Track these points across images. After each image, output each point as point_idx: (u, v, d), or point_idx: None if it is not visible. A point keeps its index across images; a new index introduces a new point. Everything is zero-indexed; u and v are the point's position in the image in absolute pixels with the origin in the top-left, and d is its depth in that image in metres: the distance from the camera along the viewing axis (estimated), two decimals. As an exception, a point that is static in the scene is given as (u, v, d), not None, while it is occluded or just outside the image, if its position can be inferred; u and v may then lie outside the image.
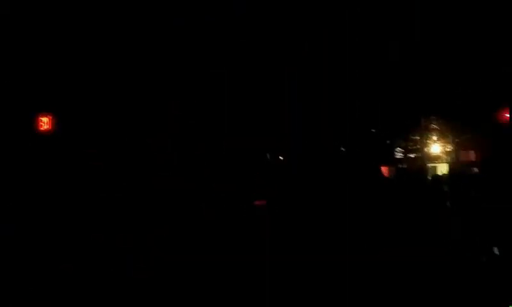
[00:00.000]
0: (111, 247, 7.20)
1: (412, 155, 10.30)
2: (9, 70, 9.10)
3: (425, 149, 10.24)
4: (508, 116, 8.88)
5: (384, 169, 10.67)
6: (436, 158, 10.39)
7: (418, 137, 10.21)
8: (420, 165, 10.27)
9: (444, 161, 10.29)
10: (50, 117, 9.05)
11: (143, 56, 9.18)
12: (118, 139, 9.16)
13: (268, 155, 9.87)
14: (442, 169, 10.26)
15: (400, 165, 10.30)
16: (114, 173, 8.83)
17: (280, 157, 9.98)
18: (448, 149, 10.28)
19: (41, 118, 9.04)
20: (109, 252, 7.06)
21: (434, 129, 10.21)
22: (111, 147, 9.07)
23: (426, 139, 10.19)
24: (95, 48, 9.22)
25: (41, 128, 9.02)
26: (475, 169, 9.50)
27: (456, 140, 10.01)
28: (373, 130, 9.98)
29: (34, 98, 9.19)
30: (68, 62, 9.10)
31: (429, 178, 9.66)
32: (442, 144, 10.33)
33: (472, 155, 9.85)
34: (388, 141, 10.38)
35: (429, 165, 10.26)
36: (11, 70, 9.11)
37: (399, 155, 10.50)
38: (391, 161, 10.23)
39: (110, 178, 8.75)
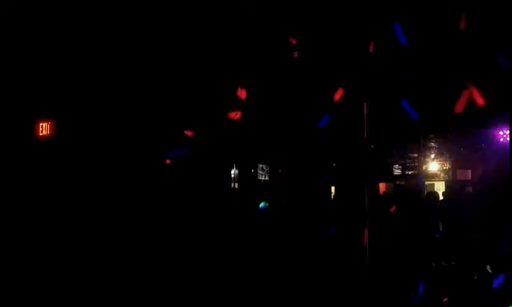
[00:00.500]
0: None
1: (410, 172, 10.45)
2: (8, 72, 8.94)
3: (423, 167, 10.36)
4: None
5: (382, 186, 10.79)
6: (433, 176, 10.53)
7: (416, 155, 10.33)
8: (416, 183, 10.39)
9: (441, 179, 10.43)
10: (51, 122, 8.91)
11: (152, 59, 9.07)
12: (121, 145, 9.03)
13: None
14: (439, 186, 10.40)
15: (398, 182, 10.44)
16: (118, 179, 8.70)
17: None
18: (445, 168, 10.44)
19: (41, 123, 8.89)
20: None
21: (432, 147, 10.35)
22: (114, 153, 8.93)
23: (424, 157, 10.32)
24: (96, 50, 9.08)
25: (41, 134, 8.88)
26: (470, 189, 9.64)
27: (454, 158, 10.16)
28: (372, 146, 10.06)
29: (34, 102, 9.03)
30: (69, 64, 8.93)
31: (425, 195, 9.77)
32: (440, 162, 10.48)
33: (468, 174, 9.99)
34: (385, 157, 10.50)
35: (427, 182, 10.38)
36: (10, 73, 8.95)
37: (397, 172, 10.66)
38: (389, 177, 10.37)
39: (114, 184, 8.62)
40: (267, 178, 10.71)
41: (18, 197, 8.20)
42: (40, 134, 8.89)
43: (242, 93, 8.58)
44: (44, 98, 8.90)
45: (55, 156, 8.68)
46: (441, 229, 8.10)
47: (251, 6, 8.37)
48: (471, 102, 8.91)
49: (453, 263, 7.52)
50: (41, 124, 8.91)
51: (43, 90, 8.84)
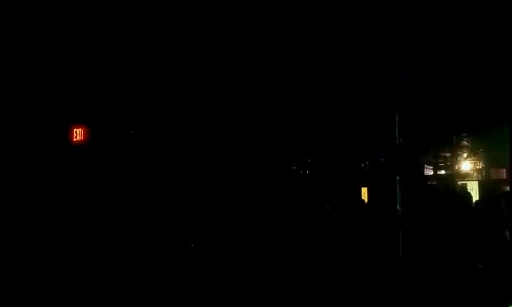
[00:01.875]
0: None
1: (442, 172, 10.24)
2: (42, 80, 9.23)
3: (455, 166, 10.14)
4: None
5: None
6: (466, 176, 10.29)
7: (449, 154, 10.11)
8: (449, 183, 10.15)
9: (474, 178, 10.18)
10: (84, 128, 9.17)
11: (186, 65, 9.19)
12: (154, 151, 9.19)
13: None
14: (472, 186, 10.15)
15: (429, 182, 10.24)
16: (150, 185, 8.87)
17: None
18: (478, 167, 10.18)
19: (75, 129, 9.16)
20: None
21: (464, 146, 10.12)
22: (147, 159, 9.11)
23: (456, 156, 10.10)
24: (126, 59, 9.27)
25: (75, 140, 9.14)
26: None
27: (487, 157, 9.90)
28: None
29: (68, 108, 9.30)
30: (102, 72, 9.17)
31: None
32: (473, 161, 10.23)
33: (503, 173, 9.72)
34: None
35: (459, 182, 10.14)
36: (44, 81, 9.24)
37: (428, 172, 10.45)
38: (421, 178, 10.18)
39: (148, 190, 8.79)
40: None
41: (54, 198, 8.49)
42: (74, 140, 9.18)
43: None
44: (78, 104, 9.18)
45: (88, 160, 8.95)
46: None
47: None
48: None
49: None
50: (75, 130, 9.20)
51: (77, 96, 9.13)
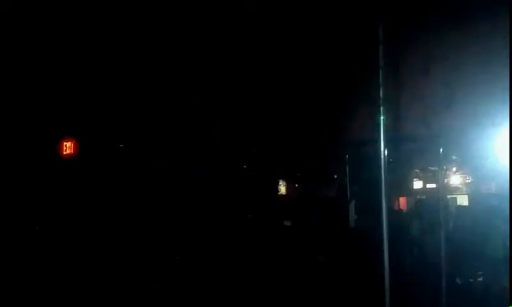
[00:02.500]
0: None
1: (431, 186, 10.22)
2: (31, 92, 9.32)
3: (445, 180, 10.11)
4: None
5: (403, 200, 10.61)
6: (455, 190, 10.28)
7: (437, 168, 10.10)
8: (438, 197, 10.12)
9: (464, 192, 10.17)
10: (74, 141, 9.27)
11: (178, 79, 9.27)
12: (142, 164, 9.24)
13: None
14: (462, 200, 10.14)
15: (418, 196, 10.24)
16: (139, 198, 8.90)
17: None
18: (468, 181, 10.18)
19: (64, 143, 9.27)
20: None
21: (453, 160, 10.13)
22: (136, 172, 9.16)
23: (445, 170, 10.08)
24: (117, 70, 9.35)
25: (65, 153, 9.24)
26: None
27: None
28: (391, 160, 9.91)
29: (58, 122, 9.40)
30: (91, 84, 9.25)
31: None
32: (462, 174, 10.24)
33: (493, 187, 9.70)
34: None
35: (449, 196, 10.12)
36: (34, 93, 9.32)
37: (416, 186, 10.47)
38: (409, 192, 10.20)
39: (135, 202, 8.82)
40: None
41: (45, 207, 8.55)
42: (64, 153, 9.28)
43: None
44: (67, 118, 9.29)
45: (78, 172, 9.03)
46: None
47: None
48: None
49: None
50: (65, 143, 9.31)
51: (66, 111, 9.24)
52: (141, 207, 8.54)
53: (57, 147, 9.44)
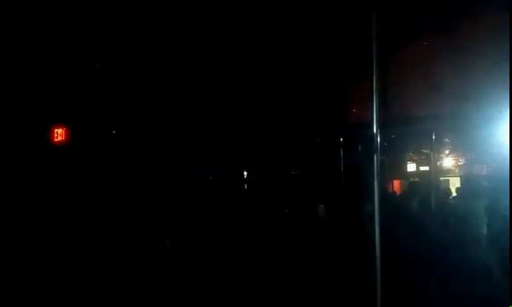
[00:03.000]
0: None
1: (424, 168, 10.30)
2: (21, 79, 9.15)
3: (438, 163, 10.19)
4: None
5: (397, 183, 10.68)
6: (448, 172, 10.37)
7: (430, 151, 10.16)
8: (430, 179, 10.21)
9: (457, 174, 10.26)
10: (65, 128, 9.14)
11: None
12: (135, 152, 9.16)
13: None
14: (454, 182, 10.24)
15: (412, 179, 10.31)
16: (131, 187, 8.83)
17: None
18: (460, 163, 10.26)
19: (56, 130, 9.13)
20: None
21: (446, 142, 10.19)
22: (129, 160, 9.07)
23: (438, 152, 10.15)
24: (111, 56, 9.20)
25: (56, 140, 9.11)
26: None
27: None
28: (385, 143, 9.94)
29: (49, 108, 9.25)
30: (84, 69, 9.10)
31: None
32: (454, 157, 10.31)
33: (484, 169, 9.78)
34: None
35: (442, 178, 10.22)
36: (24, 80, 9.15)
37: (410, 169, 10.53)
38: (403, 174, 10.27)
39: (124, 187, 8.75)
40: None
41: (34, 197, 8.44)
42: (55, 140, 9.14)
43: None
44: (59, 104, 9.14)
45: (69, 160, 8.91)
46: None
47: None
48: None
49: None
50: (56, 130, 9.17)
51: (57, 96, 9.08)
52: (138, 200, 8.48)
53: (48, 134, 9.28)
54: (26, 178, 8.74)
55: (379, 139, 7.83)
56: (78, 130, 9.07)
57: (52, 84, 8.99)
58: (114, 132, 9.09)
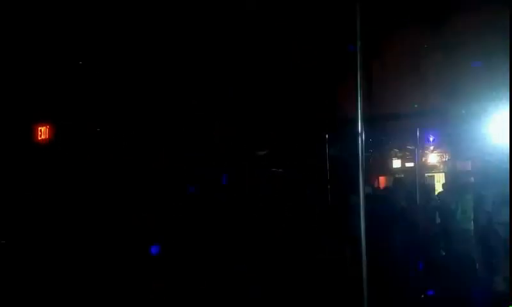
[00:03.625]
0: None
1: (409, 165, 10.42)
2: (5, 76, 9.00)
3: (422, 159, 10.32)
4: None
5: (382, 179, 10.79)
6: (433, 168, 10.50)
7: (414, 147, 10.27)
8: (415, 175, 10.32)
9: (441, 170, 10.40)
10: (49, 126, 9.00)
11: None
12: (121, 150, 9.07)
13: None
14: (439, 178, 10.38)
15: (397, 175, 10.42)
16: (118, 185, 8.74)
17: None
18: (445, 159, 10.40)
19: (39, 128, 8.98)
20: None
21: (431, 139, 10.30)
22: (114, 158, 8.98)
23: (423, 149, 10.27)
24: (97, 52, 9.10)
25: (40, 138, 8.97)
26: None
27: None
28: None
29: (33, 106, 9.11)
30: (69, 67, 8.99)
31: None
32: (439, 153, 10.45)
33: (469, 165, 9.94)
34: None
35: (426, 174, 10.34)
36: (8, 77, 9.01)
37: (395, 165, 10.65)
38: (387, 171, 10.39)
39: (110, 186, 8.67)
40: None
41: (18, 197, 8.32)
42: (39, 138, 9.00)
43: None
44: (42, 102, 9.00)
45: (53, 158, 8.79)
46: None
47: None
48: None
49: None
50: (39, 128, 9.02)
51: (41, 94, 8.94)
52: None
53: (31, 132, 9.14)
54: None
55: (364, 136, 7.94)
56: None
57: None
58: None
